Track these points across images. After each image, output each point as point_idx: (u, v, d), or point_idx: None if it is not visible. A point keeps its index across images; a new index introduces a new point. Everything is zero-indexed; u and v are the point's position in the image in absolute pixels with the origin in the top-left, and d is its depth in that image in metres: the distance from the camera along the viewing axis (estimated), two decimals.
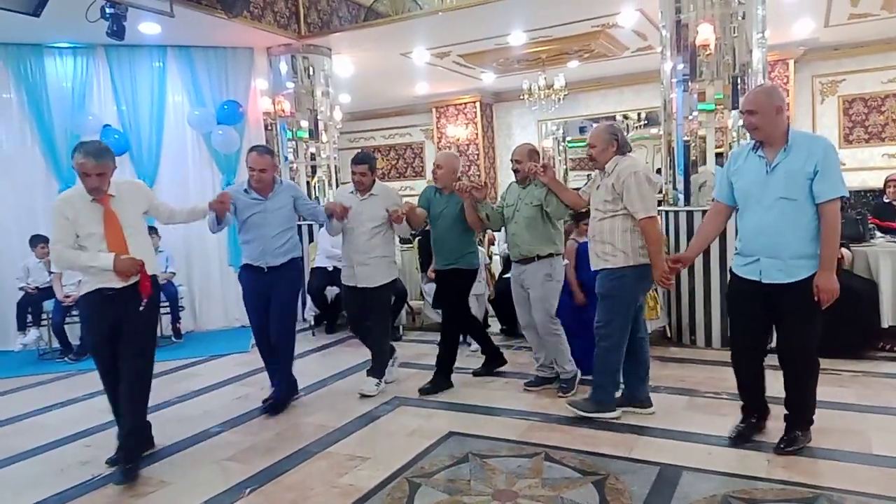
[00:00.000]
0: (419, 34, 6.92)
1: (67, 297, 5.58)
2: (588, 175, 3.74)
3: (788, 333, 2.94)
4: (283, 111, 6.79)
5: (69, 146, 6.35)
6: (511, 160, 4.07)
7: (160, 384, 4.80)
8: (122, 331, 3.12)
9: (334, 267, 6.27)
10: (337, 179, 7.32)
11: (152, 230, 6.05)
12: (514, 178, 4.12)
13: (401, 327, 6.08)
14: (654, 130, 9.72)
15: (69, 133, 6.35)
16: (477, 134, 10.17)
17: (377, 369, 4.25)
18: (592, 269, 3.52)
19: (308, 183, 7.04)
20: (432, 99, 10.22)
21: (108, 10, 4.70)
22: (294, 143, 6.94)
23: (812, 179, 2.74)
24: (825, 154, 2.76)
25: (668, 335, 5.20)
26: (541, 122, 10.22)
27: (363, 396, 4.10)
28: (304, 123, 6.90)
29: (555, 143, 10.80)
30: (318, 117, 6.98)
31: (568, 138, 10.84)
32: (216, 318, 6.84)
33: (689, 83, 4.86)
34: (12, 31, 5.76)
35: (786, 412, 3.04)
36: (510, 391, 4.17)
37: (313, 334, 6.26)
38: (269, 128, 7.10)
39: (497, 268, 6.21)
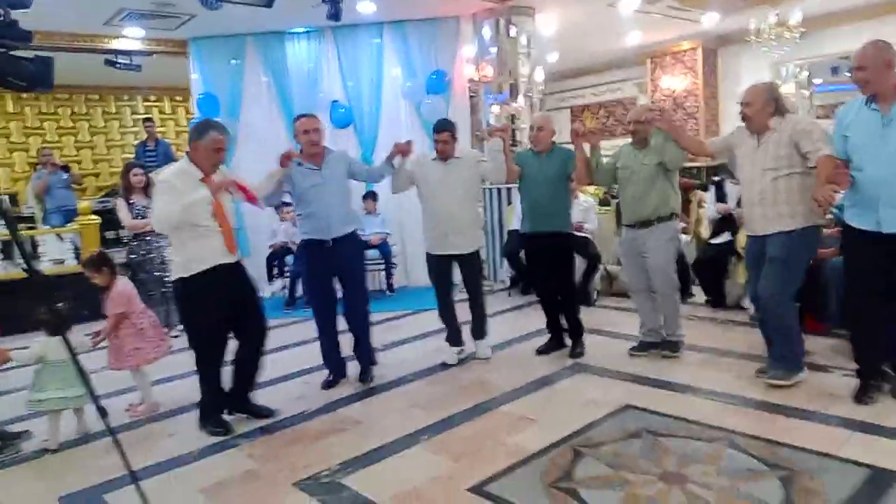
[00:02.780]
0: None
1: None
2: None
3: None
4: (486, 76, 6.91)
5: None
6: (629, 122, 4.01)
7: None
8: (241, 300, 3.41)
9: None
10: None
11: (370, 195, 6.71)
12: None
13: (595, 292, 5.93)
14: None
15: (305, 111, 7.23)
16: (697, 84, 9.26)
17: (484, 328, 4.36)
18: (760, 233, 3.35)
19: (515, 145, 7.12)
20: (646, 49, 9.50)
21: None
22: (497, 107, 7.05)
23: None
24: None
25: None
26: (777, 65, 8.92)
27: (483, 360, 4.25)
28: (506, 87, 6.96)
29: (797, 89, 9.38)
30: (520, 79, 6.98)
31: (817, 81, 9.35)
32: (426, 275, 7.32)
33: None
34: (260, 22, 6.70)
35: None
36: (706, 368, 3.87)
37: (509, 295, 6.44)
38: (474, 94, 7.29)
39: (705, 233, 5.70)
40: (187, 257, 3.25)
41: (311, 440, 3.23)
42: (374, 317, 5.82)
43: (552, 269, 4.22)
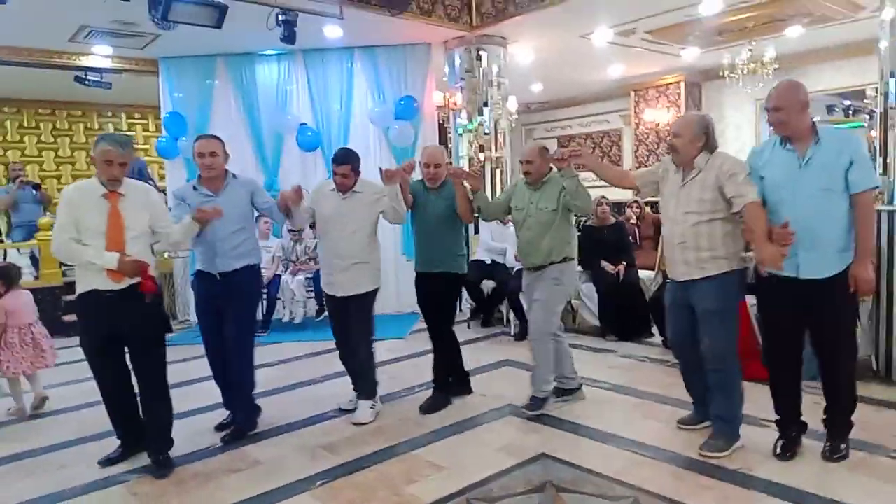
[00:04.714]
0: (597, 12, 6.36)
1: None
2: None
3: (831, 328, 2.86)
4: (455, 104, 6.82)
5: (274, 144, 7.21)
6: (520, 161, 3.75)
7: (312, 363, 5.22)
8: (123, 333, 3.08)
9: (493, 260, 6.22)
10: (510, 170, 7.20)
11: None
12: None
13: None
14: None
15: (273, 132, 7.19)
16: None
17: (368, 389, 3.78)
18: (681, 278, 3.13)
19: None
20: (630, 82, 9.43)
21: (280, 18, 5.13)
22: (466, 135, 6.95)
23: (847, 170, 2.71)
24: (858, 146, 2.81)
25: (875, 369, 4.09)
26: (759, 101, 8.80)
27: (357, 425, 3.63)
28: (476, 115, 6.86)
29: None
30: (491, 109, 6.89)
31: (815, 118, 9.16)
32: (388, 303, 7.12)
33: None
34: (231, 44, 6.66)
35: (825, 420, 2.99)
36: (637, 414, 3.67)
37: (468, 326, 6.23)
38: (443, 122, 7.20)
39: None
40: (78, 275, 3.11)
41: (202, 480, 3.04)
42: (322, 345, 5.75)
43: (434, 311, 3.95)
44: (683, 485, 2.75)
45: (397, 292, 7.14)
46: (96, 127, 10.68)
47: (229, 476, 3.07)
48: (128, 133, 10.28)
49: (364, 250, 3.72)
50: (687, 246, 3.05)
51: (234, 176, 3.60)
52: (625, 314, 5.50)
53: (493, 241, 6.22)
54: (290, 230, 6.70)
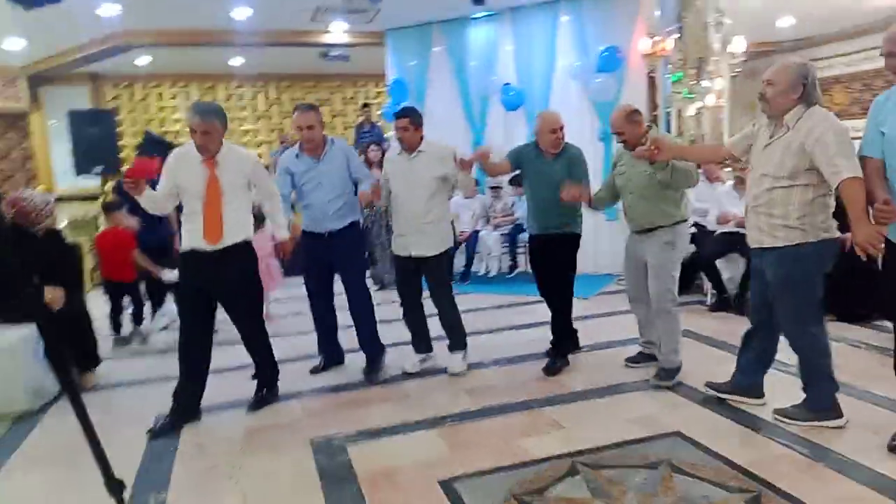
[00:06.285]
0: None
1: (462, 233, 6.80)
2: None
3: None
4: (665, 50, 6.28)
5: (481, 104, 7.48)
6: (611, 131, 3.62)
7: (491, 315, 5.44)
8: (214, 291, 3.25)
9: (694, 223, 5.69)
10: (729, 121, 6.44)
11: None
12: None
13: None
14: None
15: (480, 93, 7.43)
16: None
17: (458, 340, 3.95)
18: (753, 245, 2.91)
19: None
20: None
21: None
22: (678, 84, 6.38)
23: None
24: None
25: None
26: None
27: (453, 376, 3.84)
28: (691, 62, 6.24)
29: None
30: (708, 52, 6.19)
31: None
32: (586, 263, 6.98)
33: None
34: (447, 10, 7.02)
35: None
36: None
37: None
38: (652, 71, 6.68)
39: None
40: (182, 234, 3.34)
41: (358, 405, 3.50)
42: (511, 299, 5.92)
43: (554, 271, 3.87)
44: (828, 489, 2.35)
45: (595, 252, 6.96)
46: (349, 96, 12.16)
47: (380, 405, 3.48)
48: (367, 101, 11.50)
49: (438, 211, 3.80)
50: (759, 211, 2.75)
51: (333, 142, 3.82)
52: (847, 291, 4.63)
53: (695, 202, 5.69)
54: (490, 187, 6.99)
